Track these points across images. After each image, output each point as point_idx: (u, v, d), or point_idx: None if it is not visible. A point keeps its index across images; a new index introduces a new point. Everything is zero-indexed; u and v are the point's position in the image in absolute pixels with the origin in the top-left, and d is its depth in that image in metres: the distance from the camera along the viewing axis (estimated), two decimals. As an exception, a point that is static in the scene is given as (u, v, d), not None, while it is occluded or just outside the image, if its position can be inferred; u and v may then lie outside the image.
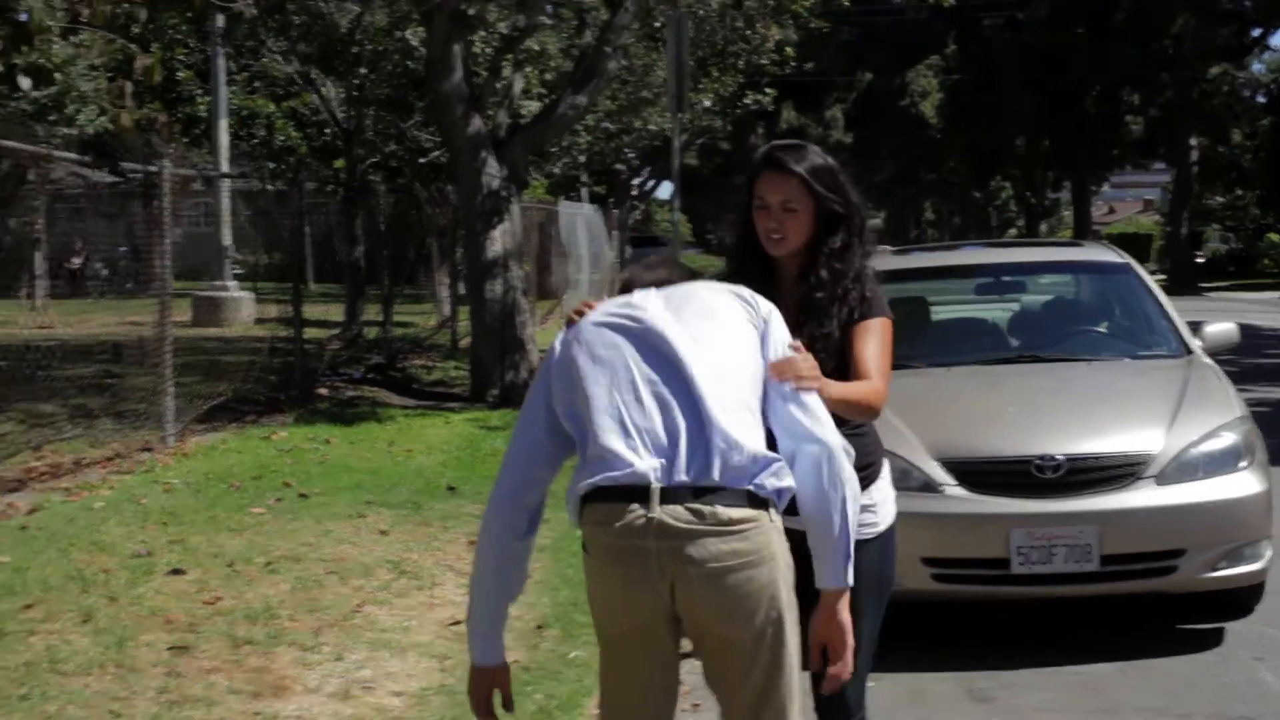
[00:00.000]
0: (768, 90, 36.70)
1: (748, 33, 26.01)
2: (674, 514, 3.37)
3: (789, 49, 33.77)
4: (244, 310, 24.74)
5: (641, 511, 3.37)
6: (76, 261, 25.98)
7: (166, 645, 6.36)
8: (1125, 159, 66.63)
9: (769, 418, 3.63)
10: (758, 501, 3.45)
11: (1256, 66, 63.04)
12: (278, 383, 15.52)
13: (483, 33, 18.30)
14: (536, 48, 20.24)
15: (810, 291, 4.20)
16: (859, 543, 3.88)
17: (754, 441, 3.48)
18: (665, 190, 64.91)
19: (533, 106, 19.88)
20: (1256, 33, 57.52)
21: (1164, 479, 7.06)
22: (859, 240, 4.25)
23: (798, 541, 3.73)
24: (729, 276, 4.25)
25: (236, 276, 25.82)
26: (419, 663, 6.49)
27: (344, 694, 5.99)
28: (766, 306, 3.76)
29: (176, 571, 7.57)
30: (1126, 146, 63.44)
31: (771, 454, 3.51)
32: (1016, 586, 7.09)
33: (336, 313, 22.44)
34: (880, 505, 4.34)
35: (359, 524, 9.04)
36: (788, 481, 3.51)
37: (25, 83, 10.54)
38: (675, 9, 18.01)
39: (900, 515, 7.08)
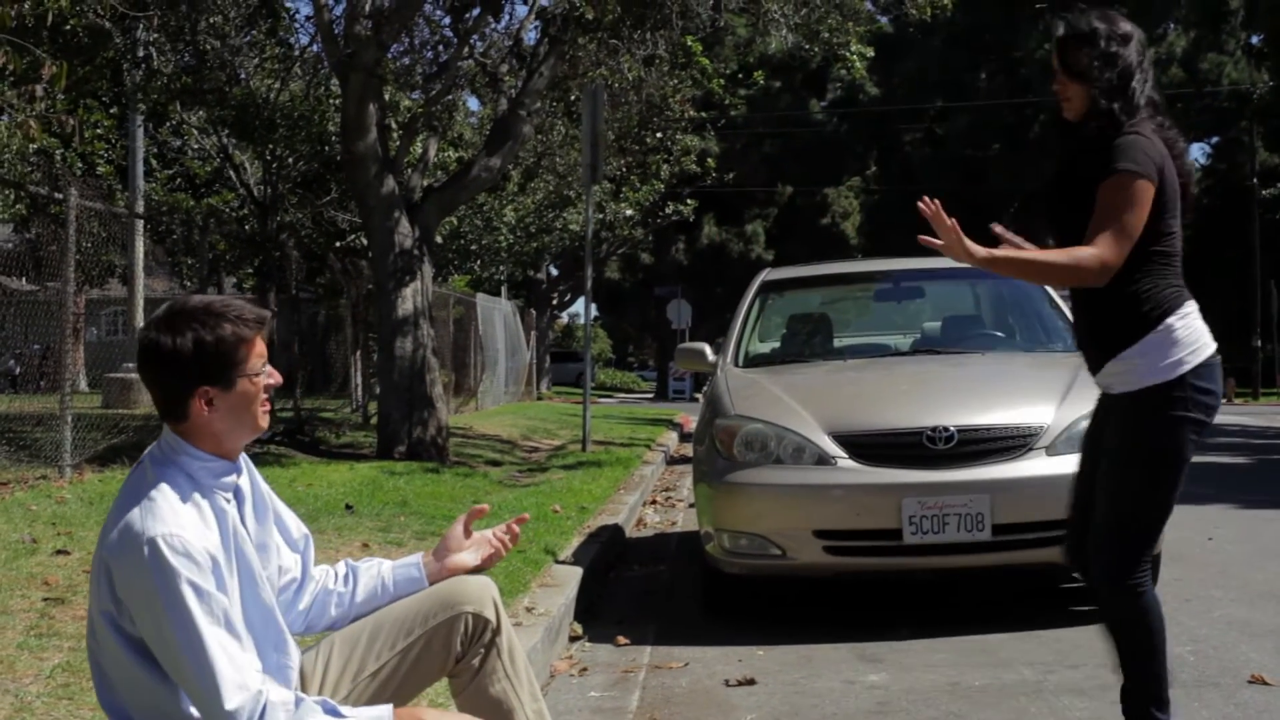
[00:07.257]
0: (689, 201, 36.96)
1: (669, 143, 26.19)
2: None
3: (710, 159, 34.20)
4: (156, 393, 24.13)
5: None
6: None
7: (43, 597, 6.21)
8: (1041, 273, 67.44)
9: None
10: None
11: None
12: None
13: (399, 94, 18.36)
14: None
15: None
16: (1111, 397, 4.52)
17: None
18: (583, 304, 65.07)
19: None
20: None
21: (1054, 450, 7.08)
22: (1122, 94, 4.33)
23: None
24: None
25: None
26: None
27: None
28: None
29: (61, 552, 7.41)
30: (1042, 261, 64.30)
31: None
32: (909, 557, 7.05)
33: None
34: (1138, 358, 4.52)
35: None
36: None
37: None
38: (591, 82, 18.04)
39: (793, 489, 7.15)
